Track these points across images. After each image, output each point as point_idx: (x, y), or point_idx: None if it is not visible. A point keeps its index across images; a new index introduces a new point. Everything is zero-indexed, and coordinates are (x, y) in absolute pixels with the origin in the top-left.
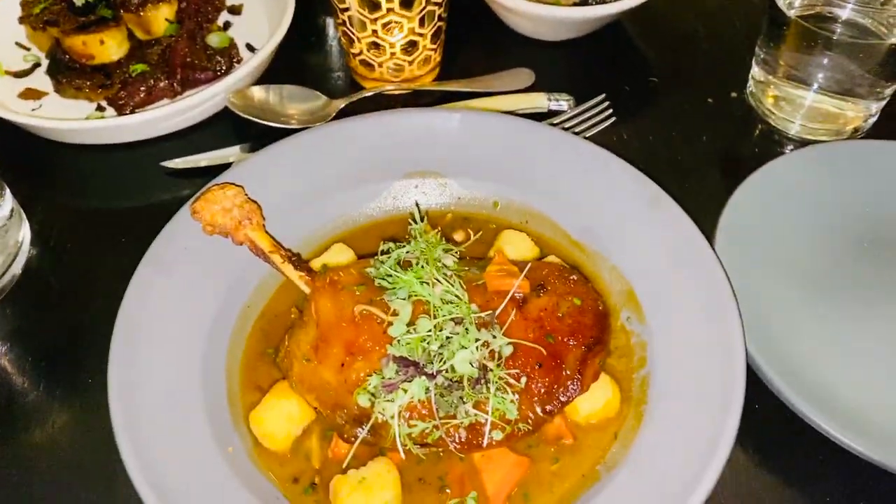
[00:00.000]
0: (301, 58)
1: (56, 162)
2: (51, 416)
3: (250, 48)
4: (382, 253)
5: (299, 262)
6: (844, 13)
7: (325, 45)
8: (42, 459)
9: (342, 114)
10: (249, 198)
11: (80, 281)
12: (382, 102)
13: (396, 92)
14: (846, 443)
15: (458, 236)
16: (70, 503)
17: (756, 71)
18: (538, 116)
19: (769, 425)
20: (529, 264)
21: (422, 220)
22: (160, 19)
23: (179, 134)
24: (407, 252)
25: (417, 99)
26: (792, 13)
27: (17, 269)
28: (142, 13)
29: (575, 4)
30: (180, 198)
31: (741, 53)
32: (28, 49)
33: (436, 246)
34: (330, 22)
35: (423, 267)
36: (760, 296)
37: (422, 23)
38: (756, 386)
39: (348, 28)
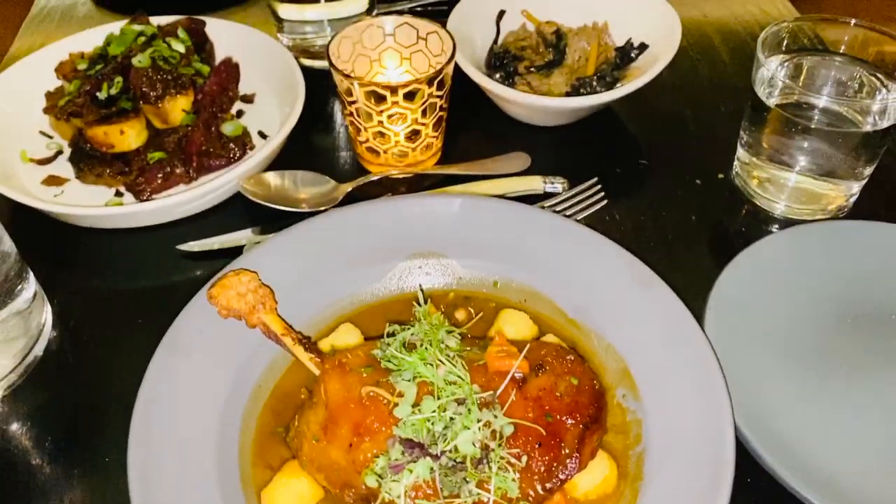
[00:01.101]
0: (310, 144)
1: (76, 245)
2: (69, 494)
3: (262, 135)
4: (388, 335)
5: (309, 344)
6: (821, 102)
7: (333, 131)
8: None
9: (349, 197)
10: (263, 283)
11: (98, 362)
12: (387, 185)
13: (400, 176)
14: None
15: (460, 314)
16: None
17: (741, 153)
18: (534, 198)
19: (760, 499)
20: (528, 345)
21: (425, 301)
22: (177, 110)
23: (194, 217)
24: (412, 334)
25: (420, 181)
26: (771, 102)
27: (38, 350)
28: (160, 105)
29: (567, 94)
30: (195, 279)
31: (727, 136)
32: (51, 137)
33: (439, 328)
34: (337, 110)
35: (426, 349)
36: (750, 372)
37: (424, 113)
38: (747, 460)
39: (355, 118)
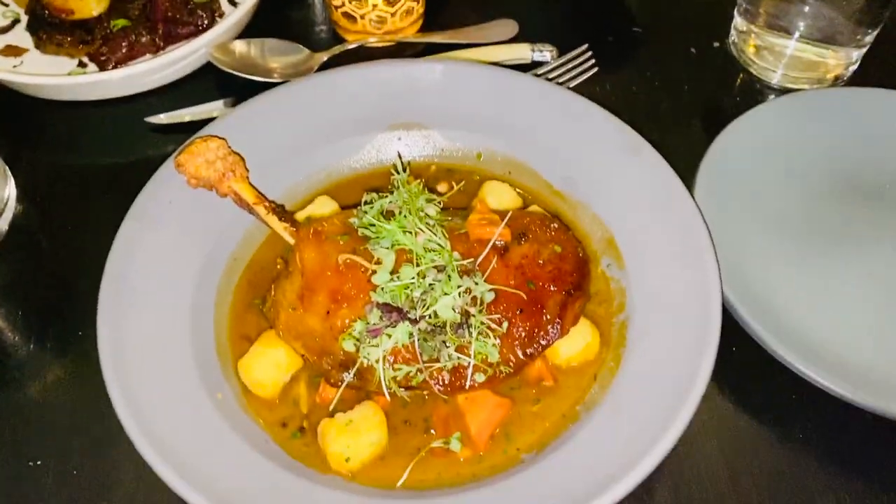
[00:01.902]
0: (283, 11)
1: (39, 119)
2: (43, 370)
3: (232, 2)
4: (365, 203)
5: (283, 213)
6: None
7: (307, 1)
8: (36, 412)
9: (325, 67)
10: (233, 150)
11: (66, 237)
12: (365, 55)
13: (379, 44)
14: (818, 381)
15: (442, 188)
16: (64, 453)
17: (738, 21)
18: (522, 67)
19: (746, 366)
20: (511, 213)
21: (404, 170)
22: None
23: (162, 89)
24: (390, 202)
25: (401, 51)
26: None
27: (2, 226)
28: None
29: None
30: (165, 153)
31: (724, 3)
32: (7, 5)
33: (418, 195)
34: None
35: (405, 216)
36: (739, 241)
37: None
38: (734, 329)
39: None
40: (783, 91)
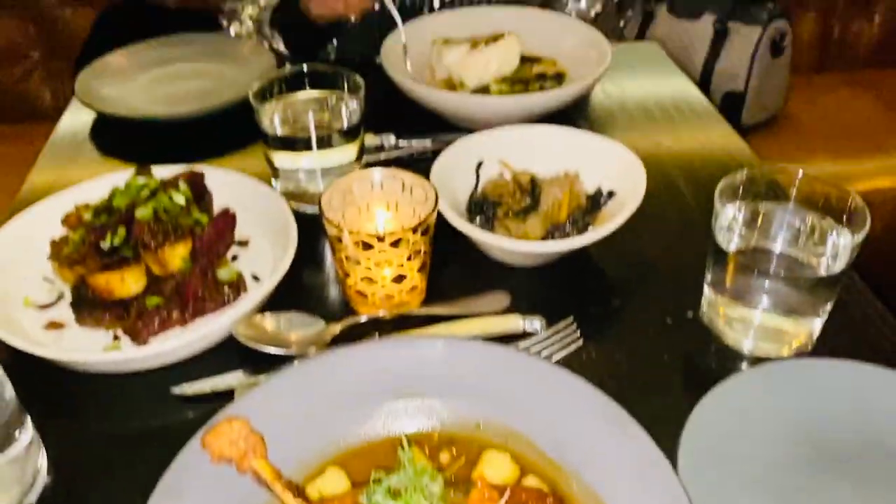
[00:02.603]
0: (302, 285)
1: (73, 389)
2: None
3: (255, 278)
4: (374, 482)
5: (298, 491)
6: (776, 248)
7: (323, 272)
8: None
9: (339, 337)
10: (253, 430)
11: None
12: (375, 325)
13: (387, 316)
14: None
15: (444, 456)
16: None
17: (707, 293)
18: (514, 337)
19: None
20: (509, 490)
21: (409, 445)
22: (176, 258)
23: (188, 359)
24: (396, 481)
25: (406, 320)
26: (731, 247)
27: (32, 498)
28: (160, 253)
29: (542, 238)
30: (188, 421)
31: (694, 275)
32: (53, 283)
33: (423, 474)
34: (328, 251)
35: (411, 495)
36: None
37: (409, 258)
38: None
39: (344, 264)
40: (755, 359)
